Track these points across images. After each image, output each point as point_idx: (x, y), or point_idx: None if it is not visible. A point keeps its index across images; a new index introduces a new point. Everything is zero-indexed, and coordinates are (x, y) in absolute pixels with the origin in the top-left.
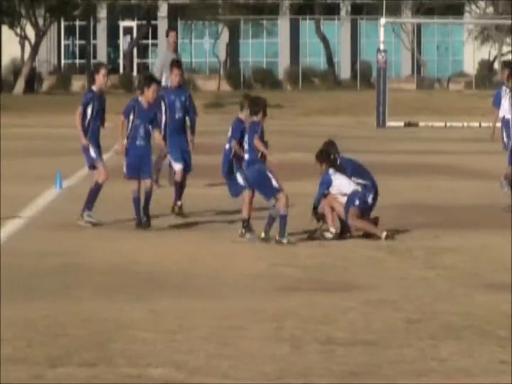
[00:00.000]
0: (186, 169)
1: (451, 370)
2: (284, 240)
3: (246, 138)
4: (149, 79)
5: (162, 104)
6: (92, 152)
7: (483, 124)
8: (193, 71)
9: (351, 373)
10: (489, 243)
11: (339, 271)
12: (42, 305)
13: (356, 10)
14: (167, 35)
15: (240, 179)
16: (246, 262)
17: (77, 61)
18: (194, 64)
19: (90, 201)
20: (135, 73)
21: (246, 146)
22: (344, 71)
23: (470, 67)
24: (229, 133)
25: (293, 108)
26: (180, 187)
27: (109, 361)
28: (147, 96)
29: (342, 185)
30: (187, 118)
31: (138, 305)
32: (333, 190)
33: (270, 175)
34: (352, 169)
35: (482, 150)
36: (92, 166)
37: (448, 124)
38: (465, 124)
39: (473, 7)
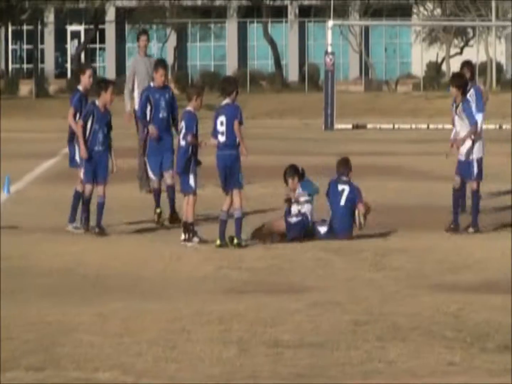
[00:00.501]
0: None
1: (398, 372)
2: (243, 242)
3: (223, 120)
4: (105, 82)
5: (148, 103)
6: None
7: (431, 126)
8: None
9: (298, 375)
10: (435, 244)
11: (286, 273)
12: None
13: (304, 12)
14: (137, 39)
15: (192, 180)
16: (193, 264)
17: (25, 65)
18: None
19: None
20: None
21: (222, 128)
22: (292, 74)
23: (418, 69)
24: (183, 129)
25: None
26: (158, 194)
27: (57, 365)
28: (104, 99)
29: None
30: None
31: (85, 308)
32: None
33: (239, 167)
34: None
35: (429, 151)
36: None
37: (396, 126)
38: (413, 125)
39: (421, 8)
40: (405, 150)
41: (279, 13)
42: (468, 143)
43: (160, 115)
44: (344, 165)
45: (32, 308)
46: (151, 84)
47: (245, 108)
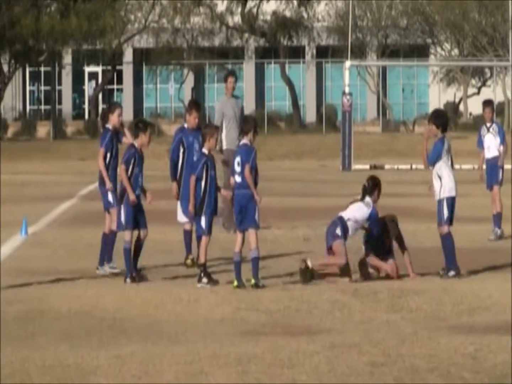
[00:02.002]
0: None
1: None
2: (260, 283)
3: (239, 161)
4: (144, 123)
5: (181, 146)
6: (110, 197)
7: None
8: (158, 116)
9: None
10: (451, 286)
11: (303, 315)
12: (7, 352)
13: (321, 53)
14: (225, 80)
15: (203, 222)
16: (210, 306)
17: (42, 107)
18: (159, 109)
19: (107, 251)
20: (99, 117)
21: (239, 169)
22: (310, 115)
23: None
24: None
25: (258, 152)
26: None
27: None
28: (142, 141)
29: None
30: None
31: (102, 351)
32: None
33: (256, 206)
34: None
35: None
36: (107, 210)
37: (414, 166)
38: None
39: (438, 49)
40: (422, 191)
41: (297, 53)
42: (436, 183)
43: (194, 158)
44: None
45: (49, 352)
46: (185, 125)
47: (262, 149)
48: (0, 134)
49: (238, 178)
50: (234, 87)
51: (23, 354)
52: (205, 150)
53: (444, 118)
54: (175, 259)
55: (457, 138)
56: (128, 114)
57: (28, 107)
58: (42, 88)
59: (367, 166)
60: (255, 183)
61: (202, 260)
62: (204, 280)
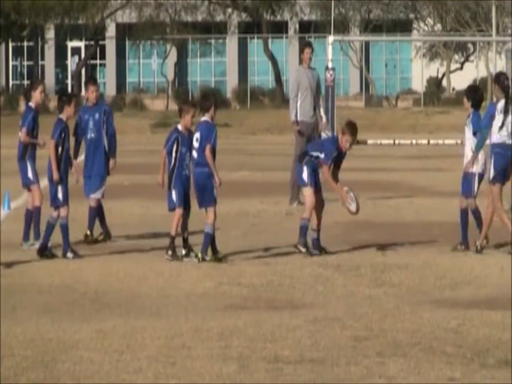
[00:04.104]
0: None
1: None
2: (207, 257)
3: (198, 137)
4: (67, 96)
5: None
6: (30, 173)
7: (431, 141)
8: (141, 91)
9: None
10: (434, 260)
11: (286, 289)
12: None
13: (304, 28)
14: (302, 51)
15: (174, 196)
16: (193, 280)
17: (25, 82)
18: (142, 84)
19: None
20: (83, 93)
21: (197, 145)
22: None
23: (419, 84)
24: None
25: (240, 127)
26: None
27: (56, 381)
28: (69, 114)
29: None
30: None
31: (84, 324)
32: None
33: (216, 179)
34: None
35: (429, 167)
36: (27, 187)
37: (397, 141)
38: (413, 141)
39: (421, 24)
40: (405, 165)
41: (279, 29)
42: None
43: (89, 135)
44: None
45: (31, 325)
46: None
47: (245, 123)
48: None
49: (195, 154)
50: (310, 58)
51: (4, 327)
52: (179, 126)
53: (476, 93)
54: (159, 233)
55: (440, 113)
56: (111, 89)
57: (10, 82)
58: (25, 63)
59: None
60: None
61: (172, 232)
62: (169, 252)
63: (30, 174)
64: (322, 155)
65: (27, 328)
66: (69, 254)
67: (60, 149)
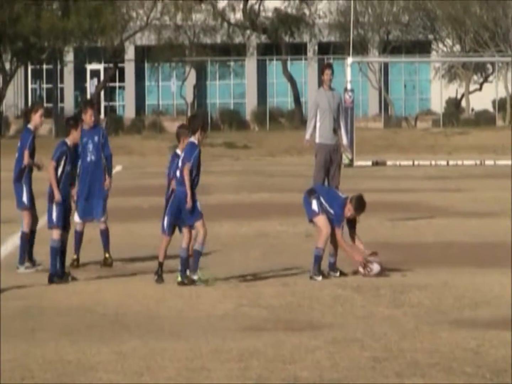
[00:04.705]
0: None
1: None
2: (195, 277)
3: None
4: (74, 120)
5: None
6: (25, 197)
7: (450, 162)
8: (160, 113)
9: None
10: (453, 280)
11: (305, 310)
12: (7, 348)
13: (323, 49)
14: (322, 73)
15: (165, 220)
16: (212, 302)
17: (44, 104)
18: (161, 106)
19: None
20: (102, 115)
21: (180, 164)
22: None
23: (437, 105)
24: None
25: (259, 149)
26: (78, 240)
27: None
28: (75, 138)
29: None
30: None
31: (104, 346)
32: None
33: (188, 200)
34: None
35: (448, 187)
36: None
37: (416, 162)
38: (432, 162)
39: (440, 45)
40: (424, 186)
41: (298, 50)
42: None
43: (88, 158)
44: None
45: (50, 347)
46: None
47: (264, 145)
48: (1, 132)
49: (178, 173)
50: (331, 79)
51: (23, 350)
52: (178, 151)
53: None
54: (176, 252)
55: (459, 134)
56: (130, 112)
57: (30, 105)
58: (44, 86)
59: (369, 162)
60: (195, 183)
61: (160, 258)
62: (155, 277)
63: (24, 198)
64: (332, 211)
65: (46, 350)
66: (56, 280)
67: (60, 171)
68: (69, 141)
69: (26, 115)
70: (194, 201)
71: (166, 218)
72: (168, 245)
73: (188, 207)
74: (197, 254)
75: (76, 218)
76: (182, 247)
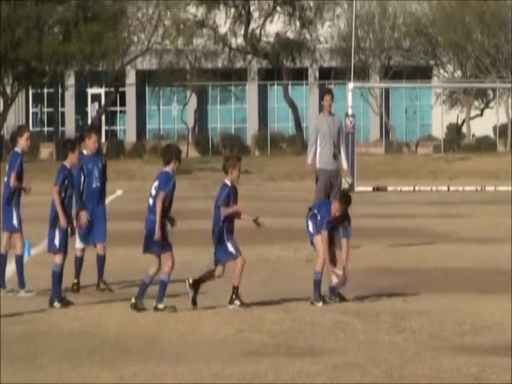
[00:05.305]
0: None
1: None
2: (160, 305)
3: (156, 185)
4: (71, 142)
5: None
6: (15, 219)
7: (452, 188)
8: (161, 137)
9: None
10: (454, 306)
11: (306, 336)
12: (8, 372)
13: (324, 74)
14: (322, 98)
15: (231, 248)
16: (213, 327)
17: (45, 128)
18: (162, 130)
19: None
20: (103, 140)
21: (154, 192)
22: None
23: (439, 131)
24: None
25: (260, 173)
26: (79, 265)
27: None
28: (73, 161)
29: None
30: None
31: (105, 371)
32: None
33: (156, 230)
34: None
35: (449, 213)
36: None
37: (417, 188)
38: (434, 187)
39: (441, 71)
40: (425, 212)
41: (299, 75)
42: None
43: (93, 185)
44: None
45: (52, 371)
46: (84, 151)
47: (265, 170)
48: (2, 155)
49: (151, 201)
50: (330, 105)
51: (24, 374)
52: (227, 181)
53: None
54: (177, 277)
55: (460, 160)
56: (131, 136)
57: (31, 129)
58: (45, 109)
59: (370, 188)
60: (167, 214)
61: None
62: (237, 302)
63: (15, 221)
64: (319, 218)
65: (47, 375)
66: (56, 304)
67: (63, 195)
68: (68, 164)
69: (12, 139)
70: (163, 232)
71: (229, 244)
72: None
73: (156, 238)
74: (162, 284)
75: (77, 243)
76: (148, 273)
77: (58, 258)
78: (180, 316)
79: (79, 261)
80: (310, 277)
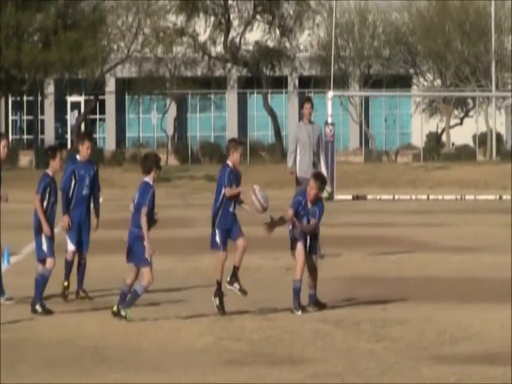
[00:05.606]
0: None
1: None
2: (123, 312)
3: (136, 196)
4: (52, 150)
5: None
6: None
7: (431, 197)
8: (140, 145)
9: None
10: (434, 316)
11: (286, 345)
12: None
13: (304, 83)
14: (302, 106)
15: (217, 238)
16: (193, 335)
17: (25, 136)
18: (142, 138)
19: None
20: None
21: (132, 204)
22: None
23: (418, 139)
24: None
25: (241, 180)
26: (69, 268)
27: None
28: (55, 168)
29: None
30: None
31: (84, 379)
32: None
33: (146, 245)
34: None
35: (429, 222)
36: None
37: (396, 196)
38: (413, 196)
39: (421, 79)
40: (405, 221)
41: (279, 83)
42: None
43: (83, 191)
44: None
45: (31, 380)
46: (77, 156)
47: (245, 178)
48: None
49: (132, 209)
50: (310, 113)
51: (4, 382)
52: (228, 162)
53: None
54: (157, 286)
55: (439, 169)
56: (111, 144)
57: (10, 137)
58: (25, 117)
59: (350, 197)
60: (153, 223)
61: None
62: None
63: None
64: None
65: (27, 383)
66: (38, 307)
67: (45, 203)
68: (50, 172)
69: None
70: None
71: (217, 232)
72: (225, 261)
73: (148, 255)
74: (134, 293)
75: (70, 246)
76: (126, 282)
77: (49, 263)
78: (160, 324)
79: (70, 265)
80: (289, 286)
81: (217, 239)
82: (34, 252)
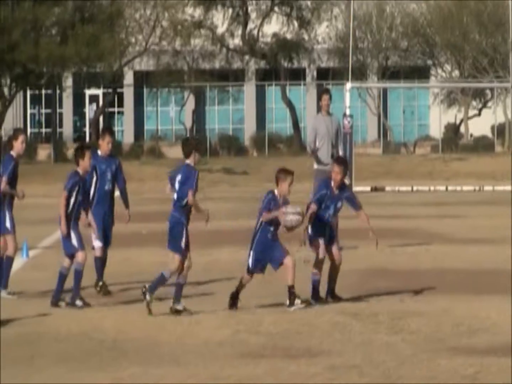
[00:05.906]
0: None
1: None
2: (179, 306)
3: (179, 180)
4: (81, 149)
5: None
6: (8, 222)
7: (449, 188)
8: (158, 138)
9: None
10: (451, 307)
11: (303, 337)
12: (6, 375)
13: (322, 75)
14: (320, 98)
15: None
16: (210, 329)
17: (43, 130)
18: (160, 131)
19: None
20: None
21: (177, 187)
22: None
23: (436, 131)
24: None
25: (258, 174)
26: (102, 265)
27: None
28: (85, 166)
29: None
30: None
31: (102, 373)
32: None
33: (181, 232)
34: None
35: (447, 214)
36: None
37: (414, 188)
38: (431, 188)
39: (439, 70)
40: (423, 212)
41: (297, 75)
42: None
43: (106, 187)
44: None
45: (49, 374)
46: (98, 151)
47: (263, 171)
48: (1, 157)
49: (175, 196)
50: (328, 104)
51: (22, 376)
52: (275, 190)
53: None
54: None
55: (457, 160)
56: (129, 137)
57: (29, 130)
58: (43, 111)
59: (368, 188)
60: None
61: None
62: (297, 301)
63: (8, 224)
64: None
65: (44, 377)
66: (78, 302)
67: (72, 200)
68: (80, 171)
69: (8, 142)
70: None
71: (252, 255)
72: (248, 281)
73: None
74: (161, 277)
75: (97, 242)
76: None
77: (81, 257)
78: (178, 318)
79: (100, 261)
80: (308, 278)
81: (250, 261)
82: (51, 246)
